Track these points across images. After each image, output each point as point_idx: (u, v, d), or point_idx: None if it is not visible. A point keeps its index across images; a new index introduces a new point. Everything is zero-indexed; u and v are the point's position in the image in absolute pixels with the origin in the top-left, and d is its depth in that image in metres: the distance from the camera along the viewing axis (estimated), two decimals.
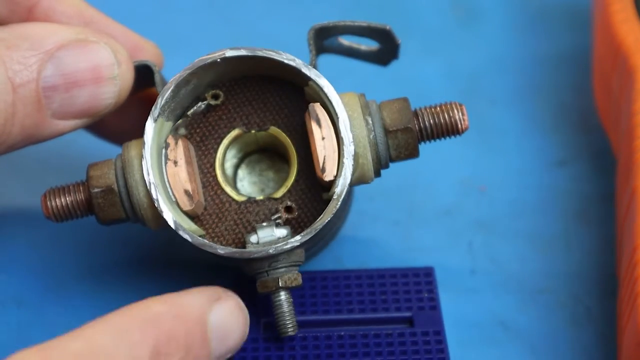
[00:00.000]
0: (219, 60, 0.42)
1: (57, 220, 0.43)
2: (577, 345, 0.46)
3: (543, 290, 0.48)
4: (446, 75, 0.57)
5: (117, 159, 0.43)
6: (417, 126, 0.43)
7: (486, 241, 0.50)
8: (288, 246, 0.41)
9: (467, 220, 0.51)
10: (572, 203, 0.51)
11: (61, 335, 0.35)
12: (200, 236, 0.42)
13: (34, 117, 0.41)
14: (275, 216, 0.43)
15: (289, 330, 0.43)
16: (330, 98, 0.42)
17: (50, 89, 0.41)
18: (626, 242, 0.45)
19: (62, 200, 0.43)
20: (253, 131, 0.44)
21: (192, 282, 0.48)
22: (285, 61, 0.42)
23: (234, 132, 0.44)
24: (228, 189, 0.44)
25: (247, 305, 0.46)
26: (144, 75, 0.44)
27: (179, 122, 0.44)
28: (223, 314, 0.38)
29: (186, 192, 0.42)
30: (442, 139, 0.43)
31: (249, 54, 0.42)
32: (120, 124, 0.47)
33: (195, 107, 0.44)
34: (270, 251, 0.41)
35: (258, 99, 0.44)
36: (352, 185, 0.43)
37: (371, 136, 0.42)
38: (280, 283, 0.42)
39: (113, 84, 0.42)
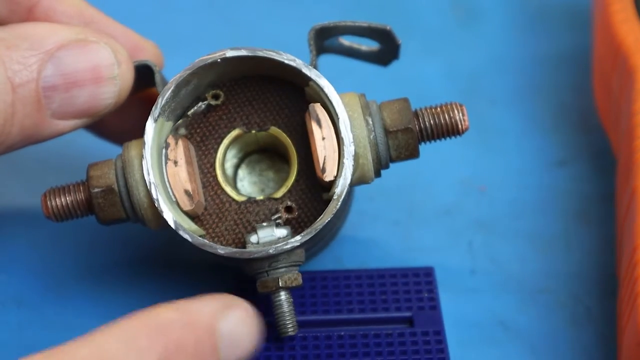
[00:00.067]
0: (219, 60, 0.42)
1: (57, 220, 0.43)
2: (577, 345, 0.46)
3: (543, 290, 0.48)
4: (446, 75, 0.57)
5: (117, 159, 0.43)
6: (417, 126, 0.43)
7: (486, 241, 0.50)
8: (288, 246, 0.41)
9: (467, 220, 0.51)
10: (572, 203, 0.51)
11: (69, 340, 0.34)
12: (200, 236, 0.42)
13: (34, 117, 0.41)
14: (276, 216, 0.43)
15: (289, 330, 0.43)
16: (331, 98, 0.42)
17: (50, 89, 0.41)
18: (626, 242, 0.45)
19: (62, 200, 0.43)
20: (253, 131, 0.44)
21: (192, 282, 0.48)
22: (286, 61, 0.42)
23: (234, 132, 0.44)
24: (228, 189, 0.44)
25: None
26: (144, 75, 0.44)
27: (179, 122, 0.44)
28: (233, 322, 0.37)
29: (186, 192, 0.42)
30: (443, 139, 0.43)
31: (250, 54, 0.42)
32: (120, 124, 0.47)
33: (195, 107, 0.44)
34: (271, 251, 0.41)
35: (258, 99, 0.44)
36: (352, 185, 0.43)
37: (371, 136, 0.42)
38: (280, 283, 0.42)
39: (113, 84, 0.42)
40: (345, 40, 0.47)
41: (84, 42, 0.42)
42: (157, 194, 0.41)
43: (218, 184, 0.44)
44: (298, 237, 0.41)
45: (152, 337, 0.35)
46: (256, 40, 0.46)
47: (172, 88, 0.42)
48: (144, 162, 0.41)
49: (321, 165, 0.41)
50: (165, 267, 0.49)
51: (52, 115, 0.42)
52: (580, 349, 0.46)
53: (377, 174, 0.43)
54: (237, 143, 0.44)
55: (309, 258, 0.47)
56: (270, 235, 0.42)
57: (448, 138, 0.43)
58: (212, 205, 0.43)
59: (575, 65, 0.57)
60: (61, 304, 0.47)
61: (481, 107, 0.55)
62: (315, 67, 0.43)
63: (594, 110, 0.54)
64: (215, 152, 0.44)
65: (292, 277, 0.42)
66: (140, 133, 0.42)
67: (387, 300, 0.46)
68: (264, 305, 0.45)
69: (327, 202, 0.42)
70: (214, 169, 0.44)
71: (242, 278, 0.46)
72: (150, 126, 0.42)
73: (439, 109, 0.43)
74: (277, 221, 0.43)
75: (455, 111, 0.43)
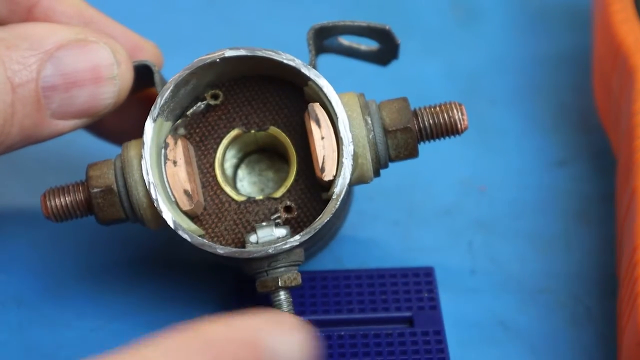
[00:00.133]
0: (218, 60, 0.42)
1: (56, 220, 0.43)
2: (577, 345, 0.46)
3: (543, 290, 0.48)
4: (446, 75, 0.57)
5: (117, 159, 0.43)
6: (416, 126, 0.43)
7: (486, 241, 0.50)
8: (287, 246, 0.41)
9: (467, 220, 0.51)
10: (572, 203, 0.51)
11: (112, 350, 0.34)
12: (199, 236, 0.42)
13: (33, 117, 0.41)
14: (275, 216, 0.43)
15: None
16: (330, 98, 0.42)
17: (49, 89, 0.41)
18: (626, 242, 0.45)
19: (62, 200, 0.43)
20: (252, 131, 0.44)
21: (191, 282, 0.48)
22: (285, 61, 0.42)
23: (234, 132, 0.44)
24: (227, 189, 0.44)
25: (246, 305, 0.46)
26: (144, 75, 0.44)
27: (178, 122, 0.44)
28: (282, 339, 0.35)
29: (185, 192, 0.42)
30: (442, 138, 0.43)
31: (249, 54, 0.42)
32: (120, 124, 0.47)
33: (194, 107, 0.44)
34: (270, 251, 0.41)
35: (257, 99, 0.44)
36: (351, 185, 0.43)
37: (370, 136, 0.42)
38: (279, 283, 0.42)
39: (112, 84, 0.42)
40: (345, 40, 0.47)
41: (83, 42, 0.42)
42: (157, 194, 0.41)
43: (217, 183, 0.44)
44: (297, 237, 0.41)
45: (200, 352, 0.34)
46: (256, 40, 0.46)
47: (171, 88, 0.42)
48: (143, 162, 0.42)
49: (320, 164, 0.41)
50: (165, 267, 0.49)
51: (52, 115, 0.42)
52: (580, 349, 0.45)
53: (377, 173, 0.43)
54: (236, 143, 0.44)
55: (309, 258, 0.47)
56: (269, 235, 0.42)
57: (447, 137, 0.43)
58: (211, 205, 0.43)
59: (575, 65, 0.57)
60: (61, 304, 0.47)
61: (481, 107, 0.55)
62: (314, 66, 0.43)
63: (594, 110, 0.54)
64: (215, 152, 0.44)
65: (292, 276, 0.42)
66: (139, 133, 0.42)
67: (387, 300, 0.46)
68: (264, 305, 0.45)
69: (327, 201, 0.42)
70: (213, 169, 0.44)
71: (241, 278, 0.46)
72: (149, 126, 0.42)
73: (438, 108, 0.43)
74: (277, 221, 0.43)
75: (455, 110, 0.43)
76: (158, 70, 0.44)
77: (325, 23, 0.44)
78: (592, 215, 0.51)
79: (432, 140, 0.43)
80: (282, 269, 0.42)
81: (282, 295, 0.42)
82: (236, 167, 0.45)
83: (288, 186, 0.43)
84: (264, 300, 0.44)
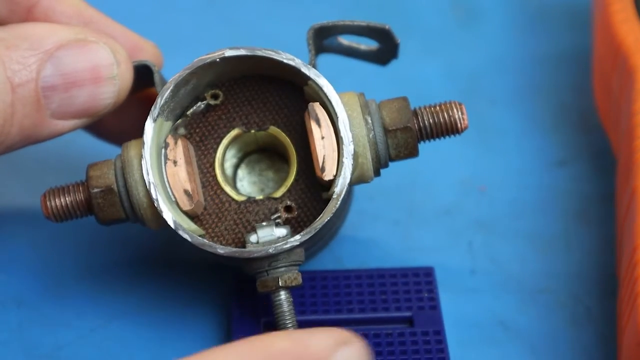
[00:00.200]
0: (218, 60, 0.42)
1: (56, 220, 0.43)
2: (577, 345, 0.46)
3: (543, 290, 0.48)
4: (446, 75, 0.57)
5: (117, 159, 0.43)
6: (416, 125, 0.43)
7: (486, 241, 0.50)
8: (288, 245, 0.41)
9: (467, 220, 0.51)
10: (572, 203, 0.51)
11: (178, 358, 0.34)
12: (200, 236, 0.42)
13: (33, 117, 0.41)
14: (275, 216, 0.43)
15: (289, 329, 0.43)
16: (330, 97, 0.42)
17: (49, 89, 0.41)
18: (626, 242, 0.45)
19: (62, 200, 0.43)
20: (252, 131, 0.44)
21: (192, 282, 0.48)
22: (285, 61, 0.42)
23: (234, 132, 0.44)
24: (228, 189, 0.44)
25: (247, 305, 0.46)
26: (144, 75, 0.44)
27: (178, 122, 0.44)
28: (348, 358, 0.36)
29: (186, 192, 0.42)
30: (442, 138, 0.43)
31: (248, 53, 0.42)
32: (120, 124, 0.47)
33: (194, 107, 0.44)
34: (270, 250, 0.41)
35: (257, 99, 0.44)
36: (351, 184, 0.43)
37: (370, 135, 0.42)
38: (280, 282, 0.42)
39: (112, 84, 0.42)
40: (344, 40, 0.47)
41: (83, 42, 0.42)
42: (157, 194, 0.41)
43: (217, 183, 0.44)
44: (298, 237, 0.41)
45: None
46: (256, 40, 0.46)
47: (171, 88, 0.42)
48: (143, 162, 0.41)
49: (320, 164, 0.41)
50: (165, 267, 0.49)
51: (52, 115, 0.42)
52: (580, 349, 0.45)
53: (377, 173, 0.43)
54: (236, 143, 0.44)
55: (309, 258, 0.47)
56: (269, 235, 0.42)
57: (447, 137, 0.43)
58: (211, 205, 0.43)
59: (575, 65, 0.57)
60: (61, 304, 0.47)
61: (481, 107, 0.55)
62: (314, 66, 0.43)
63: (594, 110, 0.54)
64: (215, 151, 0.44)
65: (292, 276, 0.42)
66: (139, 133, 0.42)
67: (387, 300, 0.46)
68: (264, 305, 0.45)
69: (327, 201, 0.42)
70: (214, 169, 0.44)
71: (242, 278, 0.46)
72: (149, 126, 0.42)
73: (438, 107, 0.43)
74: (277, 221, 0.43)
75: (455, 110, 0.43)
76: (158, 70, 0.44)
77: (325, 23, 0.44)
78: (592, 215, 0.51)
79: (432, 140, 0.43)
80: (283, 269, 0.42)
81: (283, 295, 0.42)
82: (236, 167, 0.45)
83: (288, 186, 0.43)
84: (264, 300, 0.45)
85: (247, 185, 0.45)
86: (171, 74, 0.42)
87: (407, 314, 0.46)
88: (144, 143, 0.42)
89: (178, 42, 0.55)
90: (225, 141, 0.44)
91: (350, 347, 0.36)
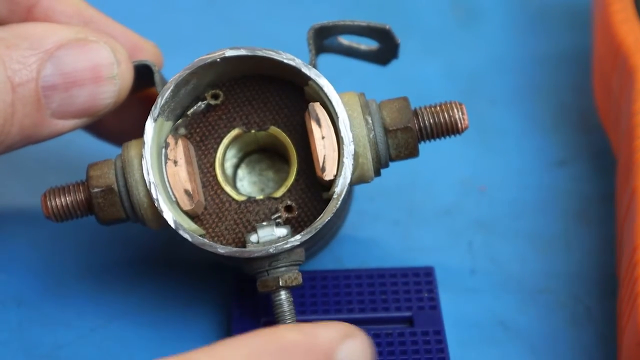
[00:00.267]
0: (218, 60, 0.42)
1: (57, 220, 0.43)
2: (577, 345, 0.46)
3: (543, 290, 0.48)
4: (446, 75, 0.57)
5: (117, 159, 0.43)
6: (416, 125, 0.43)
7: (486, 241, 0.50)
8: (288, 245, 0.41)
9: (467, 220, 0.51)
10: (572, 203, 0.51)
11: (188, 351, 0.34)
12: (200, 236, 0.42)
13: (33, 117, 0.41)
14: (275, 215, 0.43)
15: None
16: (330, 97, 0.42)
17: (49, 89, 0.41)
18: (626, 242, 0.45)
19: (62, 200, 0.43)
20: (253, 131, 0.44)
21: (192, 281, 0.48)
22: (285, 61, 0.42)
23: (234, 132, 0.44)
24: (228, 189, 0.44)
25: (247, 305, 0.46)
26: (144, 75, 0.44)
27: (178, 121, 0.44)
28: (352, 350, 0.36)
29: (186, 191, 0.42)
30: (442, 138, 0.43)
31: (249, 53, 0.42)
32: (120, 124, 0.47)
33: (195, 107, 0.44)
34: (271, 250, 0.41)
35: (258, 99, 0.44)
36: (352, 184, 0.43)
37: (371, 135, 0.42)
38: (280, 282, 0.42)
39: (112, 84, 0.42)
40: (345, 40, 0.47)
41: (83, 41, 0.42)
42: (157, 194, 0.41)
43: (218, 183, 0.44)
44: (298, 237, 0.41)
45: (275, 356, 0.34)
46: (256, 40, 0.46)
47: (171, 88, 0.42)
48: (143, 162, 0.41)
49: (321, 164, 0.41)
50: (165, 267, 0.49)
51: (52, 115, 0.42)
52: (580, 349, 0.46)
53: (377, 173, 0.43)
54: (236, 143, 0.44)
55: (309, 258, 0.47)
56: (270, 235, 0.42)
57: (448, 137, 0.43)
58: (212, 205, 0.43)
59: (575, 65, 0.57)
60: (61, 304, 0.47)
61: (481, 107, 0.55)
62: (314, 66, 0.43)
63: (594, 110, 0.54)
64: (215, 151, 0.44)
65: (292, 276, 0.42)
66: (139, 133, 0.42)
67: (387, 300, 0.46)
68: (264, 305, 0.45)
69: (327, 201, 0.42)
70: (214, 169, 0.44)
71: (242, 277, 0.46)
72: (149, 126, 0.42)
73: (438, 107, 0.43)
74: (277, 220, 0.43)
75: (455, 110, 0.43)
76: (158, 70, 0.44)
77: (325, 23, 0.44)
78: (592, 215, 0.51)
79: (432, 140, 0.43)
80: (283, 269, 0.42)
81: (283, 294, 0.42)
82: (236, 167, 0.45)
83: (288, 186, 0.43)
84: (265, 300, 0.45)
85: (247, 185, 0.45)
86: (171, 74, 0.42)
87: (407, 313, 0.46)
88: (144, 143, 0.42)
89: (178, 42, 0.55)
90: (225, 141, 0.44)
91: (354, 339, 0.36)
